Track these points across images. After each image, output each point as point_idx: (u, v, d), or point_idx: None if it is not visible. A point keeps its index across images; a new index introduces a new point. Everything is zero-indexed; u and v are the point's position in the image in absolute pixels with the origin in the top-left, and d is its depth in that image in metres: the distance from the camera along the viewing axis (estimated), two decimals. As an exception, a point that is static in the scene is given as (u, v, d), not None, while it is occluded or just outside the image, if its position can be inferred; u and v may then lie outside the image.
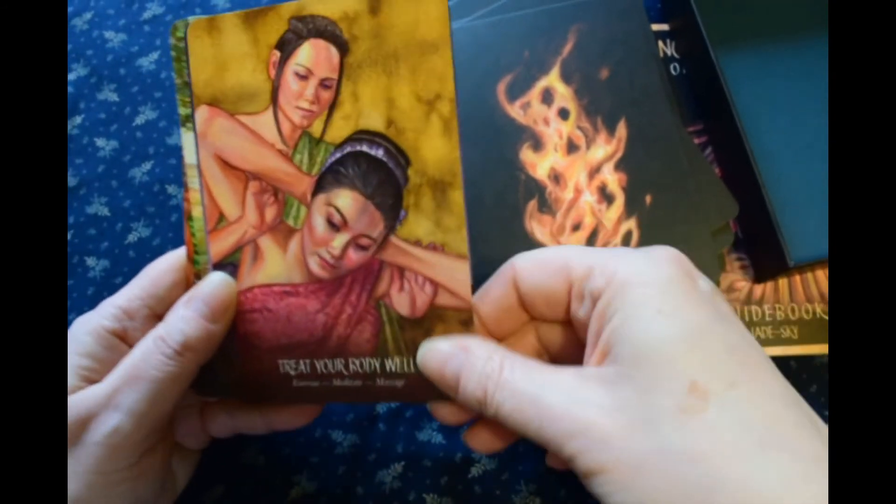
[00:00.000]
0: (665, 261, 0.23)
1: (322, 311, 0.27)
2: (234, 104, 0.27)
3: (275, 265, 0.27)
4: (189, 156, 0.28)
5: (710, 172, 0.35)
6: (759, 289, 0.36)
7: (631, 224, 0.34)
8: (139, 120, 0.41)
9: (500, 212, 0.32)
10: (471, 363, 0.24)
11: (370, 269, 0.27)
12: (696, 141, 0.38)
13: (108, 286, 0.38)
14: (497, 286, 0.27)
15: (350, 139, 0.26)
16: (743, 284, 0.36)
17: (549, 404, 0.22)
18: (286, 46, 0.27)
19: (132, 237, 0.39)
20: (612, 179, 0.34)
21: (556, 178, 0.34)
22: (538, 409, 0.22)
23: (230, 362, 0.28)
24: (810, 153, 0.37)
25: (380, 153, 0.26)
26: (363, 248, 0.27)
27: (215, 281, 0.27)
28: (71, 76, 0.42)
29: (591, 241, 0.34)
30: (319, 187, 0.27)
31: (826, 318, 0.34)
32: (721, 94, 0.35)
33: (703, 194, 0.33)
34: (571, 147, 0.35)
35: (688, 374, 0.21)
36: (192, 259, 0.28)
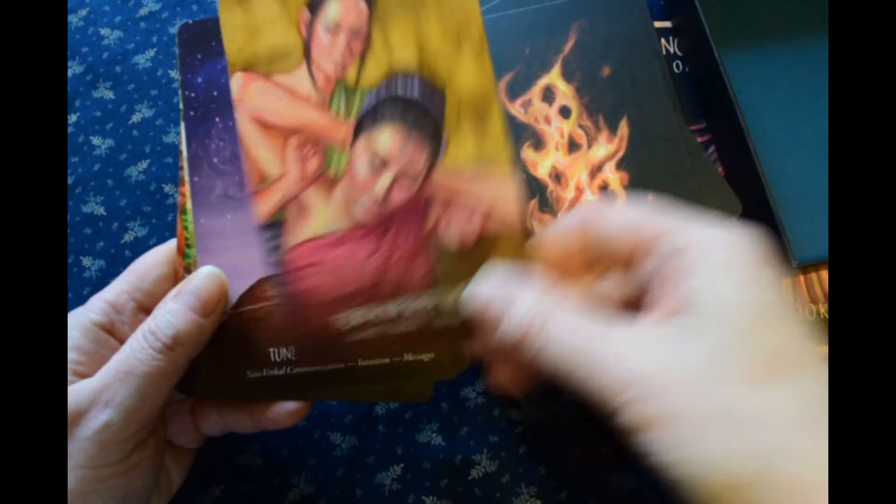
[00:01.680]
0: (751, 239, 0.23)
1: (372, 256, 0.27)
2: (268, 65, 0.28)
3: (320, 217, 0.28)
4: (186, 148, 0.28)
5: (713, 171, 0.34)
6: (762, 289, 0.35)
7: None
8: (135, 118, 0.41)
9: None
10: (519, 300, 0.24)
11: (417, 206, 0.28)
12: (699, 139, 0.38)
13: (104, 286, 0.37)
14: (565, 225, 0.26)
15: (384, 82, 0.28)
16: (746, 285, 0.35)
17: (600, 352, 0.21)
18: (315, 6, 0.28)
19: (128, 237, 0.39)
20: (614, 178, 0.34)
21: (558, 176, 0.34)
22: (587, 356, 0.22)
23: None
24: (814, 152, 0.37)
25: (415, 94, 0.27)
26: (407, 184, 0.27)
27: (205, 274, 0.27)
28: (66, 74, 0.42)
29: None
30: (359, 130, 0.28)
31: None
32: (724, 93, 0.35)
33: (705, 193, 0.33)
34: (573, 146, 0.35)
35: (767, 345, 0.21)
36: (182, 252, 0.28)
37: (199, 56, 0.29)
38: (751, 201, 0.34)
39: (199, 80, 0.29)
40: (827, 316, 0.34)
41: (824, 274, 0.35)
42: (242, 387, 0.28)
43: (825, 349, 0.34)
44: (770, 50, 0.39)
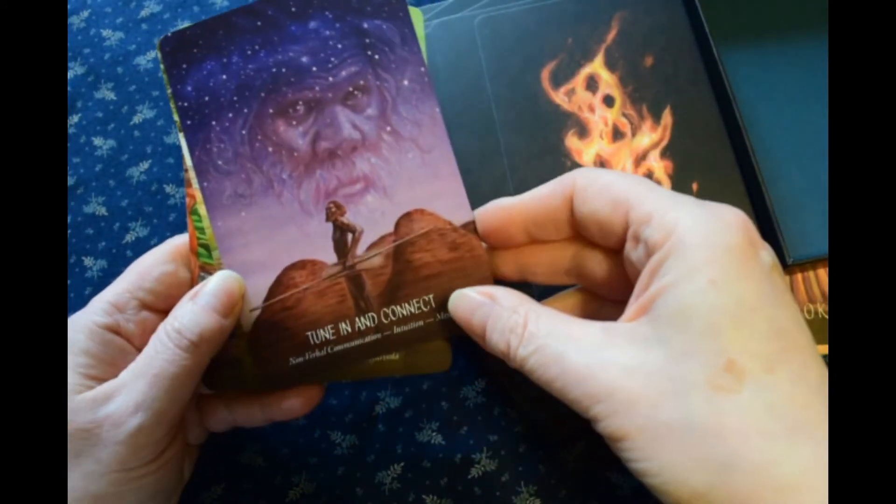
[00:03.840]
0: (730, 225, 0.22)
1: None
2: None
3: None
4: (188, 159, 0.28)
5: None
6: (760, 288, 0.35)
7: None
8: (137, 119, 0.41)
9: None
10: (496, 313, 0.24)
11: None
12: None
13: (106, 286, 0.38)
14: (551, 193, 0.26)
15: None
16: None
17: (573, 364, 0.22)
18: None
19: (130, 237, 0.39)
20: (659, 167, 0.34)
21: (602, 165, 0.35)
22: (562, 368, 0.22)
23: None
24: (811, 151, 0.37)
25: None
26: None
27: (221, 276, 0.27)
28: (68, 75, 0.42)
29: None
30: None
31: (828, 317, 0.34)
32: (723, 91, 0.35)
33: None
34: (617, 134, 0.35)
35: (728, 350, 0.20)
36: (195, 252, 0.29)
37: (184, 66, 0.29)
38: (747, 199, 0.34)
39: (189, 88, 0.29)
40: (826, 316, 0.34)
41: (822, 273, 0.35)
42: (287, 375, 0.28)
43: (826, 349, 0.34)
44: (769, 48, 0.39)
